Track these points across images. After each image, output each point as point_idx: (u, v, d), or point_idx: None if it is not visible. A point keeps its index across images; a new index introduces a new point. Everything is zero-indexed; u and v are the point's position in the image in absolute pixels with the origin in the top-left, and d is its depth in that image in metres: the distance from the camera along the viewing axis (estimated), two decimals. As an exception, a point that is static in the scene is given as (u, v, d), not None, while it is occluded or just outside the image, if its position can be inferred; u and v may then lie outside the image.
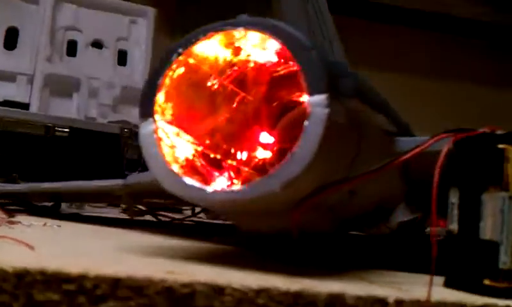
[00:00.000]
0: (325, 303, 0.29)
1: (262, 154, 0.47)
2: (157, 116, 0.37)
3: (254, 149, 0.46)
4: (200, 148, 0.39)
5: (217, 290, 0.28)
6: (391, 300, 0.30)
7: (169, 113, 0.37)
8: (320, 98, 0.33)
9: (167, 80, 0.37)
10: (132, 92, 1.29)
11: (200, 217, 0.73)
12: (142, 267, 0.30)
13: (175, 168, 0.35)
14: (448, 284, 0.36)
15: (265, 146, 0.47)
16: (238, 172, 0.40)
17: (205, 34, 0.37)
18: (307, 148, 0.32)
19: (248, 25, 0.36)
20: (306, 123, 0.33)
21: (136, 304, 0.27)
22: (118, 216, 0.74)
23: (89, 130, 1.20)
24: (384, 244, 0.50)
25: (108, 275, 0.27)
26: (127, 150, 1.20)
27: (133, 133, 1.21)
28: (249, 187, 0.33)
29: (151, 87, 0.37)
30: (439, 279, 0.36)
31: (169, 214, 0.76)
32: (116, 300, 0.27)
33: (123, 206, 0.60)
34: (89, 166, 1.19)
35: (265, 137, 0.47)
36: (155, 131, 0.36)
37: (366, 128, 0.39)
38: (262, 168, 0.47)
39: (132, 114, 1.40)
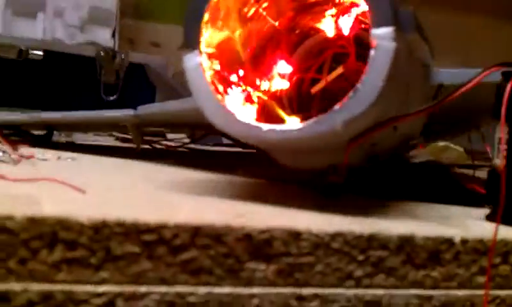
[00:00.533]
0: (396, 245, 0.29)
1: (279, 84, 0.46)
2: (202, 47, 0.34)
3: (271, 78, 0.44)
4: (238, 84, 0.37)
5: (295, 235, 0.27)
6: (457, 240, 0.30)
7: (212, 44, 0.35)
8: (388, 31, 0.31)
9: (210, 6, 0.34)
10: (100, 13, 1.23)
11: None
12: (212, 211, 0.29)
13: (228, 105, 0.33)
14: (491, 218, 0.36)
15: (283, 76, 0.46)
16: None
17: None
18: (372, 85, 0.31)
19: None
20: (371, 57, 0.31)
21: (215, 253, 0.26)
22: (113, 144, 0.72)
23: (64, 53, 1.14)
24: (407, 174, 0.50)
25: (188, 224, 0.25)
26: (104, 74, 1.15)
27: (109, 56, 1.16)
28: (308, 125, 0.32)
29: (196, 15, 0.34)
30: (475, 211, 0.37)
31: (164, 141, 0.75)
32: (196, 248, 0.25)
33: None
34: (63, 91, 1.15)
35: (283, 66, 0.45)
36: (201, 64, 0.34)
37: (415, 62, 0.37)
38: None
39: (100, 35, 1.34)
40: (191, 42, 0.34)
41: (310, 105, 0.55)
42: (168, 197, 0.33)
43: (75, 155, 0.49)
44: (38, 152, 0.48)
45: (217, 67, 0.35)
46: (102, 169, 0.45)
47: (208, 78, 0.34)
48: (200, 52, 0.34)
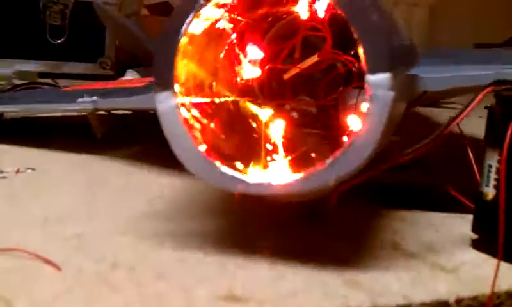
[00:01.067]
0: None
1: (251, 72, 0.43)
2: (177, 87, 0.30)
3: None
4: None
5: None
6: (452, 300, 0.29)
7: (187, 80, 0.31)
8: (384, 77, 0.28)
9: (185, 40, 0.30)
10: None
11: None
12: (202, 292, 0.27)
13: (207, 154, 0.30)
14: (477, 247, 0.36)
15: (254, 62, 0.43)
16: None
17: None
18: (368, 139, 0.28)
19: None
20: (367, 109, 0.28)
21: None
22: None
23: (2, -8, 1.04)
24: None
25: None
26: (49, 14, 1.07)
27: (54, -5, 1.07)
28: (300, 182, 0.29)
29: (169, 48, 0.30)
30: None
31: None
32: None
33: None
34: (4, 36, 1.06)
35: (253, 51, 0.43)
36: (177, 106, 0.30)
37: (405, 95, 0.35)
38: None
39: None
40: (163, 81, 0.30)
41: (283, 91, 0.53)
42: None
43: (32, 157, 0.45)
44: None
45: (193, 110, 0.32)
46: (75, 192, 0.41)
47: (184, 125, 0.30)
48: (175, 93, 0.30)
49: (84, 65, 1.12)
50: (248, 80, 0.44)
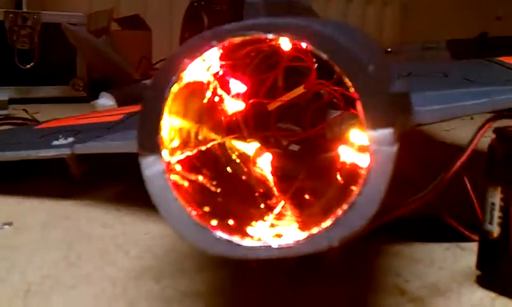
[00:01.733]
0: None
1: (235, 106, 0.41)
2: (164, 151, 0.28)
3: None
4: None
5: None
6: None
7: (172, 138, 0.29)
8: (386, 132, 0.26)
9: (169, 100, 0.28)
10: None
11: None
12: None
13: (199, 219, 0.28)
14: (483, 284, 0.35)
15: (237, 96, 0.42)
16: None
17: (219, 39, 0.28)
18: (372, 197, 0.26)
19: (281, 29, 0.27)
20: (369, 166, 0.26)
21: None
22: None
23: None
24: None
25: None
26: (17, 39, 1.03)
27: (21, 18, 1.03)
28: (300, 244, 0.27)
29: (154, 110, 0.28)
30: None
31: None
32: None
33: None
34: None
35: (236, 85, 0.41)
36: (165, 170, 0.28)
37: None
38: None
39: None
40: (149, 145, 0.28)
41: (268, 122, 0.51)
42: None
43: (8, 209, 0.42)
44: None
45: (179, 167, 0.30)
46: (57, 256, 0.38)
47: (173, 190, 0.28)
48: (162, 157, 0.28)
49: (56, 88, 1.09)
50: (232, 116, 0.42)
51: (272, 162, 0.44)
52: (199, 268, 0.35)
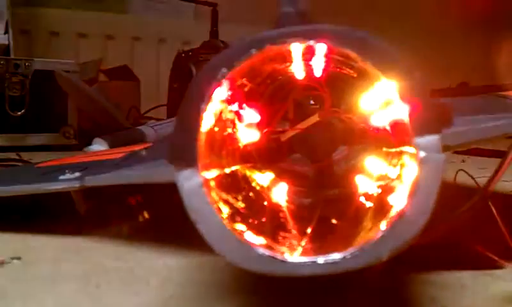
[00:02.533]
0: None
1: (249, 137, 0.41)
2: (201, 165, 0.27)
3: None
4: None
5: None
6: None
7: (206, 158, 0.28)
8: (434, 139, 0.26)
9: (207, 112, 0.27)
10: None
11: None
12: None
13: (241, 236, 0.27)
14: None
15: (250, 125, 0.41)
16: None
17: (259, 46, 0.27)
18: (422, 207, 0.26)
19: (323, 37, 0.27)
20: (419, 174, 0.26)
21: None
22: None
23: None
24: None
25: None
26: (7, 86, 1.02)
27: (12, 66, 1.02)
28: (349, 258, 0.26)
29: (191, 124, 0.27)
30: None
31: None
32: None
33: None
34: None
35: (249, 114, 0.40)
36: (203, 184, 0.27)
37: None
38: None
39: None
40: (187, 158, 0.27)
41: (281, 154, 0.51)
42: None
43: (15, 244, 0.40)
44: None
45: (213, 183, 0.29)
46: (74, 288, 0.36)
47: (212, 203, 0.27)
48: (199, 169, 0.27)
49: (47, 136, 1.08)
50: (246, 146, 0.41)
51: (288, 193, 0.43)
52: (221, 297, 0.33)
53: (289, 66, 0.39)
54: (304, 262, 0.26)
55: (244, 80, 0.35)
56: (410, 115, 0.26)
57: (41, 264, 0.40)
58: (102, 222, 0.50)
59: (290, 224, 0.37)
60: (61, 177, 0.49)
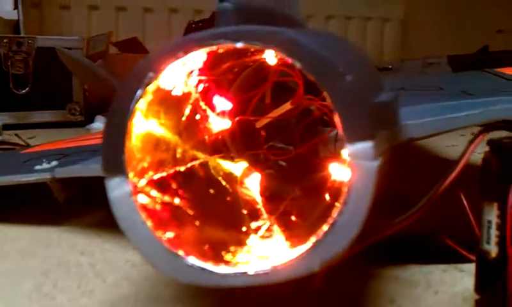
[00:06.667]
0: None
1: (220, 125, 0.40)
2: (131, 172, 0.26)
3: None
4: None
5: None
6: None
7: (140, 161, 0.27)
8: (366, 146, 0.24)
9: (136, 116, 0.26)
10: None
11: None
12: None
13: (170, 244, 0.26)
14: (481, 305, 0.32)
15: (223, 113, 0.40)
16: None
17: (186, 50, 0.26)
18: (354, 216, 0.24)
19: (252, 38, 0.25)
20: (350, 183, 0.24)
21: None
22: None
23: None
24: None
25: None
26: (11, 64, 1.02)
27: (15, 44, 1.02)
28: (280, 270, 0.25)
29: (117, 130, 0.26)
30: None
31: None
32: None
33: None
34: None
35: (222, 104, 0.39)
36: (132, 192, 0.26)
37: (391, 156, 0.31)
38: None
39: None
40: (114, 166, 0.26)
41: (257, 141, 0.49)
42: None
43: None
44: None
45: (150, 189, 0.28)
46: (33, 286, 0.36)
47: (141, 212, 0.26)
48: (127, 178, 0.26)
49: (52, 113, 1.08)
50: (217, 135, 0.40)
51: (261, 182, 0.42)
52: (177, 297, 0.33)
53: (258, 55, 0.38)
54: (235, 273, 0.26)
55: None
56: (340, 122, 0.25)
57: (7, 259, 0.40)
58: (79, 213, 0.50)
59: (248, 220, 0.36)
60: (37, 167, 0.49)
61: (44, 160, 0.50)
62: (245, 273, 0.26)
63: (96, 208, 0.52)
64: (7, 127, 0.97)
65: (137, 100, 0.26)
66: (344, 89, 0.24)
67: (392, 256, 0.39)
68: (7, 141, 0.81)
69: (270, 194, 0.41)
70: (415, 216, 0.29)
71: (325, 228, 0.25)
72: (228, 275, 0.26)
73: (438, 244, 0.38)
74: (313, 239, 0.25)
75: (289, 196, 0.42)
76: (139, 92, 0.26)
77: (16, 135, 0.84)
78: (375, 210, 0.26)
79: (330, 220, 0.25)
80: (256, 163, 0.44)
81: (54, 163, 0.49)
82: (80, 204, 0.52)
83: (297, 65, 0.25)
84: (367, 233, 0.28)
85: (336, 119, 0.25)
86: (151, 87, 0.26)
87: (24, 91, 1.02)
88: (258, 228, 0.34)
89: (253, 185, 0.41)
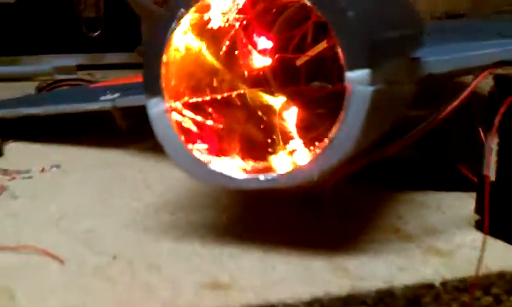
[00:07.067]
0: (375, 300, 0.29)
1: (261, 62, 0.44)
2: (166, 93, 0.32)
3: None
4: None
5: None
6: (437, 283, 0.30)
7: (177, 85, 0.33)
8: (362, 73, 0.28)
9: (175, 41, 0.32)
10: None
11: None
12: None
13: (197, 154, 0.31)
14: (480, 227, 0.36)
15: (264, 52, 0.44)
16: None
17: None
18: (348, 134, 0.29)
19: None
20: (345, 104, 0.29)
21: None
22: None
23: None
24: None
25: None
26: (83, 8, 1.10)
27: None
28: (284, 177, 0.30)
29: (154, 58, 0.31)
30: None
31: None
32: None
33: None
34: (42, 33, 1.10)
35: (262, 42, 0.43)
36: (167, 110, 0.32)
37: (398, 88, 0.35)
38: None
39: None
40: (153, 88, 0.32)
41: (297, 77, 0.53)
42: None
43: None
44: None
45: (185, 107, 0.33)
46: (94, 190, 0.43)
47: (175, 128, 0.32)
48: (164, 98, 0.32)
49: (122, 55, 1.15)
50: (258, 71, 0.44)
51: (298, 115, 0.46)
52: (210, 206, 0.38)
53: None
54: (249, 178, 0.31)
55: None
56: (341, 51, 0.28)
57: (75, 172, 0.47)
58: (139, 139, 0.57)
59: (277, 145, 0.40)
60: (101, 98, 0.55)
61: (108, 91, 0.56)
62: (257, 179, 0.31)
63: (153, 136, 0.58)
64: (81, 68, 1.06)
65: (172, 32, 0.31)
66: (345, 19, 0.28)
67: (415, 186, 0.43)
68: (80, 78, 0.89)
69: (305, 126, 0.45)
70: (412, 137, 0.32)
71: (325, 143, 0.29)
72: (244, 180, 0.31)
73: (454, 172, 0.41)
74: (313, 153, 0.30)
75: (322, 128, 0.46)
76: (173, 24, 0.31)
77: (89, 74, 0.92)
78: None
79: (330, 136, 0.29)
80: (294, 99, 0.48)
81: (117, 94, 0.55)
82: (140, 133, 0.59)
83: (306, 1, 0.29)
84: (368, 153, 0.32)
85: (338, 49, 0.29)
86: (187, 20, 0.31)
87: (95, 34, 1.10)
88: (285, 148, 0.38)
89: (290, 118, 0.46)
